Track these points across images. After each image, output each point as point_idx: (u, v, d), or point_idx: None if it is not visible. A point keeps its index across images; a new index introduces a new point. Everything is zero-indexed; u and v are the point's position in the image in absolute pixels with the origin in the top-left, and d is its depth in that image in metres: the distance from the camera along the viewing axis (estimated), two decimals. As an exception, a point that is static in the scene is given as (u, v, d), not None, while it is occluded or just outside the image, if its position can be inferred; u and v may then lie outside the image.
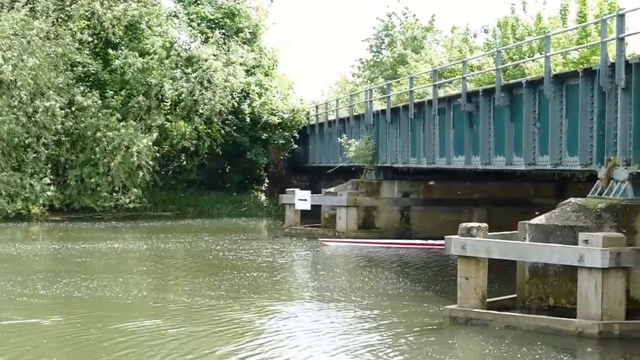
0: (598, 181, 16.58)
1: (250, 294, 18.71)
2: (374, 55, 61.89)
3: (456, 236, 15.60)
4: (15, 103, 38.39)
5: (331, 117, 41.02)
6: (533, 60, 27.25)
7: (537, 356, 12.75)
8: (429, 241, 29.10)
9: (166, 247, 27.82)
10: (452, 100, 25.25)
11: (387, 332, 14.60)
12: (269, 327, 15.27)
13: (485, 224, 15.78)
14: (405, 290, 19.28)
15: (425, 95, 31.78)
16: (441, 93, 27.02)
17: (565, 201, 15.84)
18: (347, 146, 33.26)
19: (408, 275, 21.76)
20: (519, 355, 12.81)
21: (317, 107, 45.58)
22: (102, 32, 42.17)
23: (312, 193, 34.42)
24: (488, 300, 15.37)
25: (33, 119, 38.72)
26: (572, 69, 21.56)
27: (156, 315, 16.11)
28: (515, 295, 15.89)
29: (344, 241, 29.97)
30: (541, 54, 22.79)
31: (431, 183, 31.50)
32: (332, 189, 33.45)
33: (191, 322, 15.48)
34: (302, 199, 33.74)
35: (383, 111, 31.88)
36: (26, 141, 38.80)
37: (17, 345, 13.47)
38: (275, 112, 44.49)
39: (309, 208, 33.82)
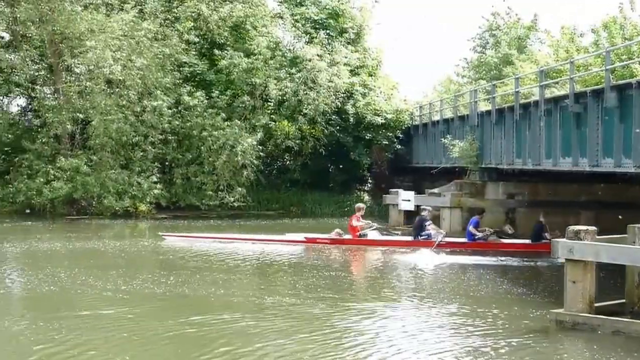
0: None
1: (328, 292, 18.67)
2: (478, 55, 61.46)
3: (564, 239, 15.35)
4: (124, 102, 39.20)
5: (435, 118, 40.81)
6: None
7: (647, 363, 12.51)
8: (294, 236, 29.12)
9: (256, 246, 27.72)
10: (559, 101, 24.86)
11: (491, 335, 14.44)
12: (349, 326, 15.11)
13: (593, 227, 15.47)
14: (502, 293, 19.08)
15: (530, 95, 31.37)
16: (547, 93, 26.64)
17: (677, 205, 15.49)
18: (451, 147, 33.06)
19: (505, 278, 21.55)
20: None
21: (420, 107, 45.39)
22: (208, 33, 42.80)
23: (415, 193, 34.29)
24: (596, 304, 15.09)
25: (141, 118, 39.51)
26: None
27: (227, 310, 16.27)
28: (623, 300, 15.60)
29: (182, 235, 29.75)
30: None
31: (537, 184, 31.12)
32: (435, 190, 33.27)
33: (265, 319, 15.54)
34: (405, 199, 33.63)
35: (488, 112, 31.55)
36: (134, 140, 39.59)
37: (84, 334, 13.88)
38: (378, 112, 44.46)
39: (412, 208, 33.68)
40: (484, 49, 61.85)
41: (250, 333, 14.25)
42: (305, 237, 28.64)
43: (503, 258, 25.09)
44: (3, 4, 41.10)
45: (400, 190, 35.06)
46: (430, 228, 27.78)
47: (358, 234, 28.17)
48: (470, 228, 27.49)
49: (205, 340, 13.65)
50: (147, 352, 13.05)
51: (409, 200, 33.47)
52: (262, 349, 13.10)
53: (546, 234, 26.79)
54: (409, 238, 28.21)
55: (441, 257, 25.13)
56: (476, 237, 27.30)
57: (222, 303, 17.16)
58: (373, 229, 28.54)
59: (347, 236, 28.36)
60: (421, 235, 27.60)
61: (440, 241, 27.04)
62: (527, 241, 27.38)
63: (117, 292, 18.03)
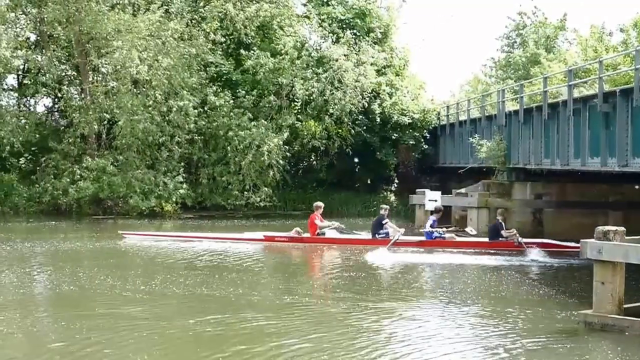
0: None
1: (343, 292, 18.54)
2: (506, 55, 61.21)
3: (592, 240, 15.10)
4: (150, 102, 39.25)
5: (462, 118, 40.53)
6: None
7: (677, 366, 12.25)
8: (251, 234, 28.99)
9: (275, 246, 27.57)
10: (587, 101, 24.59)
11: (519, 336, 14.21)
12: (370, 327, 14.91)
13: (622, 228, 15.21)
14: (527, 294, 18.84)
15: (558, 95, 31.11)
16: (576, 93, 26.36)
17: None
18: (479, 147, 32.80)
19: (536, 279, 21.30)
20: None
21: (448, 107, 45.15)
22: (234, 33, 42.71)
23: (442, 194, 34.06)
24: (625, 306, 14.84)
25: (167, 118, 39.55)
26: None
27: (247, 309, 16.18)
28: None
29: (143, 234, 29.60)
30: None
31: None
32: (462, 190, 33.02)
33: (282, 319, 15.40)
34: (432, 199, 33.37)
35: (515, 111, 31.30)
36: (160, 140, 39.63)
37: (103, 333, 13.80)
38: (405, 112, 44.27)
39: (439, 209, 33.45)
40: (511, 49, 61.58)
41: (268, 332, 14.18)
42: (264, 236, 28.57)
43: (465, 256, 24.99)
44: (30, 4, 41.23)
45: (427, 191, 34.82)
46: (388, 226, 27.76)
47: (317, 232, 28.12)
48: (428, 227, 27.50)
49: (223, 340, 13.55)
50: (165, 352, 12.94)
51: (436, 201, 33.20)
52: (278, 348, 12.98)
53: (503, 232, 26.82)
54: (368, 236, 28.19)
55: (396, 256, 24.95)
56: (433, 235, 27.27)
57: (242, 302, 17.03)
58: (332, 228, 28.44)
59: (306, 235, 28.30)
60: (379, 234, 27.58)
61: (397, 240, 26.91)
62: (485, 239, 27.31)
63: (136, 292, 17.96)
